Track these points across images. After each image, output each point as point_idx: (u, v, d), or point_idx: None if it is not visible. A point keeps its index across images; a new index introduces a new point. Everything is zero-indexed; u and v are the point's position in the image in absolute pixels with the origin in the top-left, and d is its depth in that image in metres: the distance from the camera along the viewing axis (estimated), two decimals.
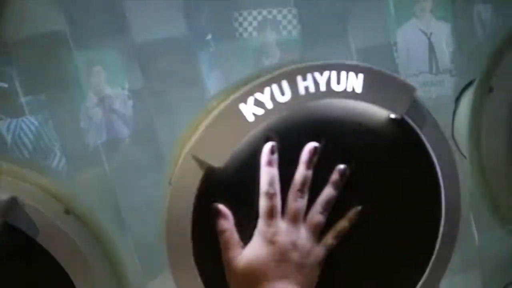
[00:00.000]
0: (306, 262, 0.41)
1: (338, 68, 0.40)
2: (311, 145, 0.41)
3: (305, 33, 0.58)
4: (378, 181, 0.44)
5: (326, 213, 0.41)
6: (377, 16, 0.62)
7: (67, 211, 0.43)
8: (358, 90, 0.41)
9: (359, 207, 0.43)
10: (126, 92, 0.53)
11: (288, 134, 0.41)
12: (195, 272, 0.41)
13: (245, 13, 0.57)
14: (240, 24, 0.57)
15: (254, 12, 0.57)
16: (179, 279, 0.41)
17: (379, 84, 0.42)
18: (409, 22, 0.65)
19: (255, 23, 0.57)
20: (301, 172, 0.40)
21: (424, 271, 0.46)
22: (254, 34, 0.58)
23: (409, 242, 0.45)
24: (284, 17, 0.58)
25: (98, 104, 0.52)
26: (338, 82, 0.41)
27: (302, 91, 0.40)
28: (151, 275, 0.52)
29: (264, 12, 0.57)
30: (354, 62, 0.42)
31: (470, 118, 0.51)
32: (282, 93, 0.40)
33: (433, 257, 0.46)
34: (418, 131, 0.44)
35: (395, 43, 0.63)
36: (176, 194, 0.40)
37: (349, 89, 0.41)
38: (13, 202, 0.39)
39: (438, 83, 0.66)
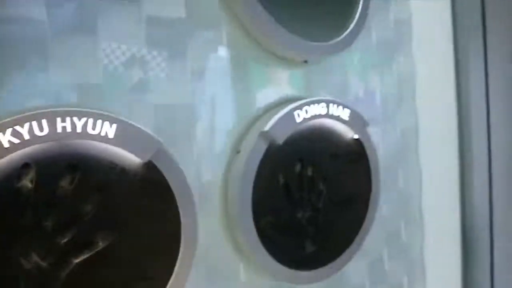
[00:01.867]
0: None
1: (95, 116, 0.50)
2: None
3: None
4: (125, 215, 0.53)
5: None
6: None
7: None
8: (111, 136, 0.51)
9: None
10: None
11: (46, 163, 0.48)
12: None
13: None
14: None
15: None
16: None
17: (129, 134, 0.52)
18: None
19: None
20: None
21: None
22: None
23: (148, 269, 0.55)
24: None
25: None
26: (94, 128, 0.50)
27: (59, 129, 0.48)
28: None
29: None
30: (111, 114, 0.51)
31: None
32: (41, 129, 0.47)
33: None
34: (165, 175, 0.55)
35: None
36: None
37: (103, 134, 0.50)
38: None
39: None
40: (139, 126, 0.53)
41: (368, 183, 0.77)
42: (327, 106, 0.69)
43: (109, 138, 0.50)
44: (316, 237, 0.71)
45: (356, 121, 0.74)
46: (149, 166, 0.54)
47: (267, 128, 0.63)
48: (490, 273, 0.97)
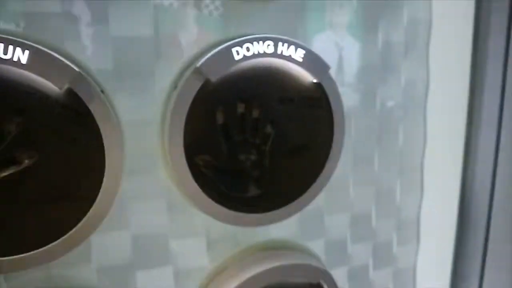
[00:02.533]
0: None
1: (5, 42, 0.53)
2: None
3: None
4: (48, 138, 0.57)
5: None
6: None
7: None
8: (24, 61, 0.54)
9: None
10: None
11: None
12: None
13: None
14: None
15: None
16: None
17: (45, 60, 0.54)
18: (325, 33, 0.76)
19: None
20: None
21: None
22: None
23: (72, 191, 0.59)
24: None
25: None
26: (5, 53, 0.53)
27: None
28: None
29: None
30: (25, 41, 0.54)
31: None
32: None
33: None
34: (86, 103, 0.57)
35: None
36: None
37: (15, 59, 0.53)
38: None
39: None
40: (53, 53, 0.55)
41: (329, 130, 0.73)
42: (275, 45, 0.65)
43: (23, 64, 0.54)
44: (261, 182, 0.70)
45: (313, 63, 0.69)
46: (70, 94, 0.57)
47: (199, 64, 0.62)
48: (484, 245, 0.88)
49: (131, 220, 0.70)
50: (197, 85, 0.63)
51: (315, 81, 0.70)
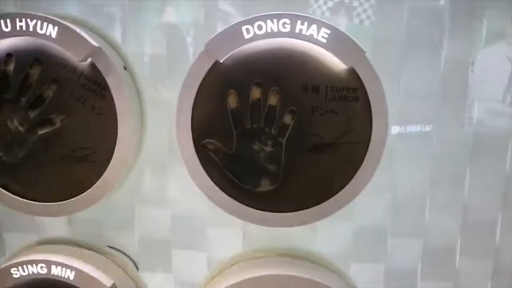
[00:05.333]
0: None
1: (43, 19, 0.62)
2: None
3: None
4: (75, 103, 0.65)
5: None
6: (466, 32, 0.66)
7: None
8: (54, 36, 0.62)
9: None
10: None
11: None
12: None
13: None
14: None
15: None
16: None
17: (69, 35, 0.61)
18: (497, 45, 0.67)
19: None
20: None
21: None
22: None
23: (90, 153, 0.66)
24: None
25: None
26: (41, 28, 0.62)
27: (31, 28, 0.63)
28: None
29: None
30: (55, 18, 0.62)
31: None
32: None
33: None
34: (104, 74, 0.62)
35: (473, 63, 0.67)
36: None
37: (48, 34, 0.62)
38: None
39: (507, 115, 0.68)
40: (76, 29, 0.61)
41: (367, 127, 0.60)
42: (292, 23, 0.57)
43: (53, 38, 0.62)
44: (275, 177, 0.62)
45: (343, 44, 0.57)
46: (92, 67, 0.63)
47: (206, 43, 0.59)
48: None
49: None
50: (205, 66, 0.60)
51: (345, 66, 0.58)
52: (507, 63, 0.66)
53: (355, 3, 0.64)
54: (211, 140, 0.63)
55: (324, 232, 0.75)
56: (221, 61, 0.60)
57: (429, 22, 0.66)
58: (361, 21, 0.66)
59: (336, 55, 0.58)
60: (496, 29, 0.65)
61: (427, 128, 0.70)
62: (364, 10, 0.65)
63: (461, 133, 0.70)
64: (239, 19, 0.59)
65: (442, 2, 0.66)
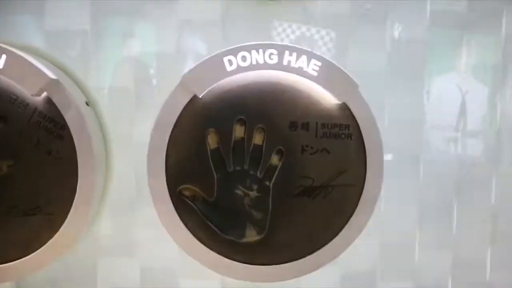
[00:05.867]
0: None
1: None
2: None
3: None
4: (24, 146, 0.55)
5: None
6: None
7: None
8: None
9: None
10: None
11: None
12: None
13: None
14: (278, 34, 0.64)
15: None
16: None
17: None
18: (449, 75, 0.67)
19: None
20: None
21: None
22: None
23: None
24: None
25: None
26: None
27: None
28: None
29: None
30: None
31: None
32: None
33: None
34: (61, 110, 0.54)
35: (428, 91, 0.66)
36: None
37: None
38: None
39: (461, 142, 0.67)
40: (28, 58, 0.53)
41: (361, 168, 0.55)
42: (279, 55, 0.52)
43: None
44: (262, 225, 0.55)
45: (335, 78, 0.52)
46: (48, 102, 0.54)
47: (183, 75, 0.53)
48: None
49: None
50: (182, 101, 0.53)
51: (338, 101, 0.53)
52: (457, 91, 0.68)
53: (316, 36, 0.62)
54: (189, 186, 0.55)
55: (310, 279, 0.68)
56: (200, 96, 0.53)
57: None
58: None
59: (327, 89, 0.53)
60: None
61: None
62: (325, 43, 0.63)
63: None
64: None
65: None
